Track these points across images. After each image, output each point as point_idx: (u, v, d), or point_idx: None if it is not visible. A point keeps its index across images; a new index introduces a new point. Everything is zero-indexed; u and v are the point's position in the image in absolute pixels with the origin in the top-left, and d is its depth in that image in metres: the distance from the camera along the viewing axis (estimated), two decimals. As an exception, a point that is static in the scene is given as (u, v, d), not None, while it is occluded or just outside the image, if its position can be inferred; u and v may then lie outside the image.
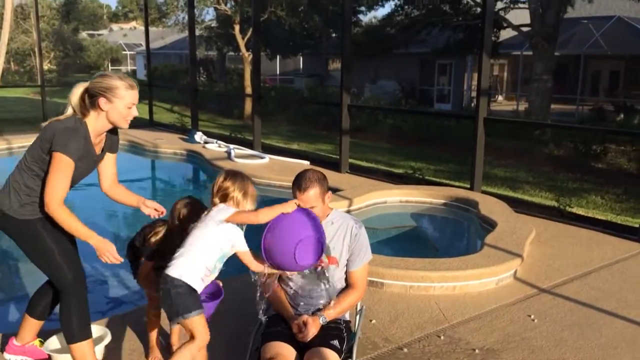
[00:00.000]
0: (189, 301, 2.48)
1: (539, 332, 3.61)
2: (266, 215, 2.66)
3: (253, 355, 2.96)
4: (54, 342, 3.06)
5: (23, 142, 10.78)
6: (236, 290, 4.07)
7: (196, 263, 2.54)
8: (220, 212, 2.61)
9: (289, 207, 2.70)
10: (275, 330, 2.84)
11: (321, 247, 2.70)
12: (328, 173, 8.06)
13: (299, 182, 2.86)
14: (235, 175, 2.72)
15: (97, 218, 7.05)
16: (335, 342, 2.80)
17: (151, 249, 2.94)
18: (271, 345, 2.72)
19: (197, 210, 2.79)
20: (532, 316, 3.83)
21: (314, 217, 2.75)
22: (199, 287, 2.54)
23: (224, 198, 2.66)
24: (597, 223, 6.07)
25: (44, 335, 3.16)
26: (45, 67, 24.30)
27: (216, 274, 2.65)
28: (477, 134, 6.60)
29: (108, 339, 3.12)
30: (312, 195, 2.83)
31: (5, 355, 3.04)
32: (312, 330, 2.77)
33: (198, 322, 2.50)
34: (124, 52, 50.05)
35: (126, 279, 4.92)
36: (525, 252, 4.74)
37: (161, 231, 2.95)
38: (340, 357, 2.77)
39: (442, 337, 3.53)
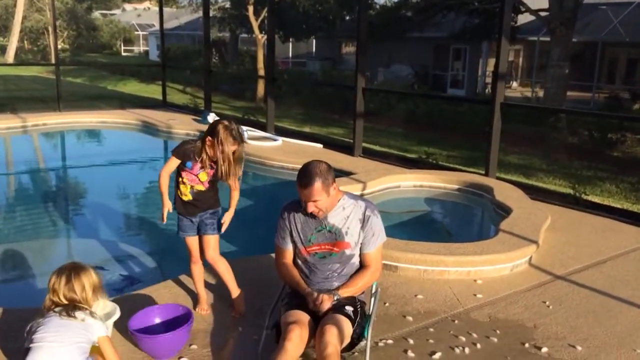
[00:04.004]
0: None
1: (553, 319, 3.59)
2: None
3: (269, 335, 2.99)
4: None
5: (37, 120, 10.85)
6: (250, 270, 4.09)
7: None
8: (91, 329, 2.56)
9: None
10: (295, 302, 2.93)
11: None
12: (341, 157, 8.05)
13: (301, 178, 2.87)
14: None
15: (110, 197, 7.09)
16: (349, 310, 2.86)
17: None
18: (292, 313, 2.81)
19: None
20: (547, 302, 3.81)
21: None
22: None
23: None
24: (613, 211, 6.00)
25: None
26: (59, 46, 24.25)
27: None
28: (494, 119, 6.53)
29: (117, 314, 3.13)
30: (313, 191, 2.84)
31: None
32: (327, 305, 2.83)
33: None
34: (136, 33, 49.95)
35: (140, 259, 4.95)
36: (541, 238, 4.70)
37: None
38: (353, 325, 2.82)
39: (456, 322, 3.52)
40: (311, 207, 2.88)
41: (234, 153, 3.21)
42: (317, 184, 2.83)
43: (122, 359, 2.74)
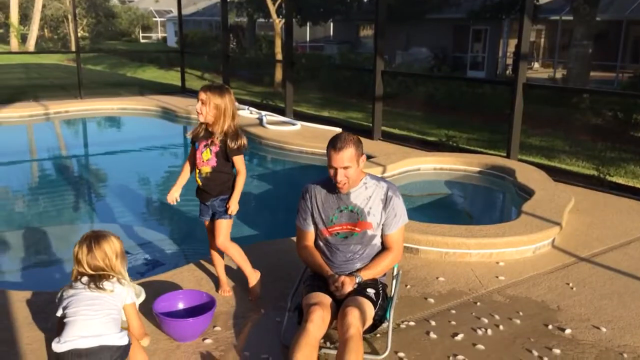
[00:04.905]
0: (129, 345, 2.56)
1: (577, 300, 3.56)
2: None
3: (291, 317, 3.02)
4: None
5: (59, 107, 10.99)
6: (270, 254, 4.12)
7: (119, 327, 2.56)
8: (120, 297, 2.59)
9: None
10: (317, 284, 2.94)
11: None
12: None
13: (334, 142, 2.87)
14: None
15: (131, 183, 7.17)
16: (371, 293, 2.87)
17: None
18: (314, 295, 2.83)
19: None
20: (571, 284, 3.78)
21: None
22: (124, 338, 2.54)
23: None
24: (638, 192, 5.90)
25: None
26: (79, 34, 24.35)
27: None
28: (516, 100, 6.44)
29: (143, 296, 3.17)
30: (346, 155, 2.83)
31: None
32: (348, 288, 2.84)
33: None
34: (154, 19, 50.07)
35: (164, 243, 5.01)
36: (564, 220, 4.65)
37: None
38: (374, 308, 2.82)
39: (478, 304, 3.51)
40: (341, 175, 2.86)
41: (216, 107, 3.23)
42: (352, 149, 2.84)
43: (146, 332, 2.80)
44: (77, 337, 2.39)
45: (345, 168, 2.85)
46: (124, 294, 2.59)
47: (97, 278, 2.54)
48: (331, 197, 3.02)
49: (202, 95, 3.23)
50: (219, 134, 3.25)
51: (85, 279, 2.55)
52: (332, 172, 2.89)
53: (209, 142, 3.29)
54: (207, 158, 3.29)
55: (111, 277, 2.57)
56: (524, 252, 4.23)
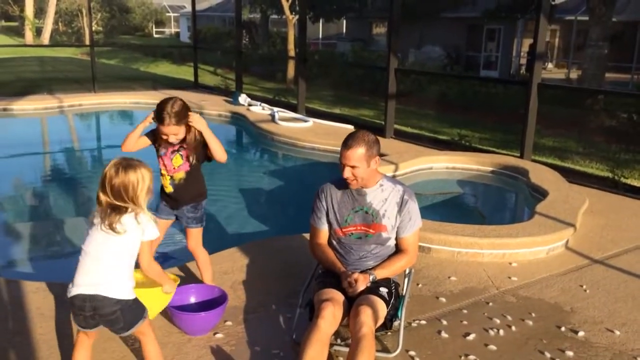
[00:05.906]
0: (137, 310, 2.49)
1: (591, 303, 3.53)
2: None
3: (302, 313, 3.01)
4: None
5: (73, 100, 11.05)
6: (282, 250, 4.11)
7: (125, 276, 2.48)
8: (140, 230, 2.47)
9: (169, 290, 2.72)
10: (329, 281, 2.93)
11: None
12: (373, 137, 7.99)
13: (347, 139, 2.90)
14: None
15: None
16: (384, 292, 2.86)
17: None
18: (326, 291, 2.83)
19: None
20: (584, 286, 3.74)
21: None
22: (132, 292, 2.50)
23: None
24: (654, 195, 5.84)
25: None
26: (93, 27, 24.32)
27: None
28: (530, 100, 6.39)
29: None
30: (354, 155, 2.83)
31: None
32: (362, 286, 2.82)
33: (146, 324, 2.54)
34: (167, 14, 50.24)
35: (173, 237, 5.02)
36: (578, 221, 4.60)
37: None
38: (387, 307, 2.82)
39: (490, 304, 3.49)
40: (347, 172, 2.86)
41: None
42: (360, 150, 2.84)
43: (156, 323, 2.80)
44: (82, 285, 2.41)
45: (353, 167, 2.84)
46: (138, 234, 2.45)
47: (113, 213, 2.40)
48: (346, 198, 3.01)
49: (173, 130, 3.07)
50: (192, 140, 3.15)
51: (102, 214, 2.42)
52: (341, 167, 2.91)
53: (177, 147, 3.17)
54: (178, 164, 3.19)
55: (129, 210, 2.42)
56: (537, 253, 4.19)
